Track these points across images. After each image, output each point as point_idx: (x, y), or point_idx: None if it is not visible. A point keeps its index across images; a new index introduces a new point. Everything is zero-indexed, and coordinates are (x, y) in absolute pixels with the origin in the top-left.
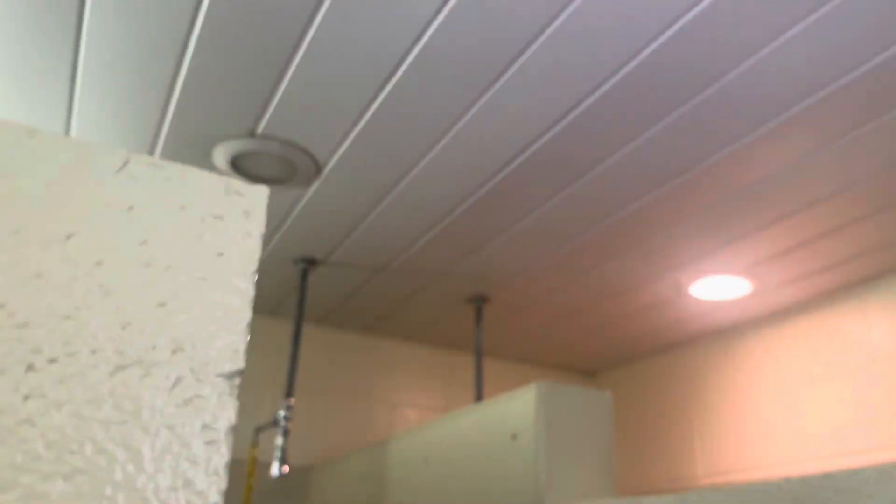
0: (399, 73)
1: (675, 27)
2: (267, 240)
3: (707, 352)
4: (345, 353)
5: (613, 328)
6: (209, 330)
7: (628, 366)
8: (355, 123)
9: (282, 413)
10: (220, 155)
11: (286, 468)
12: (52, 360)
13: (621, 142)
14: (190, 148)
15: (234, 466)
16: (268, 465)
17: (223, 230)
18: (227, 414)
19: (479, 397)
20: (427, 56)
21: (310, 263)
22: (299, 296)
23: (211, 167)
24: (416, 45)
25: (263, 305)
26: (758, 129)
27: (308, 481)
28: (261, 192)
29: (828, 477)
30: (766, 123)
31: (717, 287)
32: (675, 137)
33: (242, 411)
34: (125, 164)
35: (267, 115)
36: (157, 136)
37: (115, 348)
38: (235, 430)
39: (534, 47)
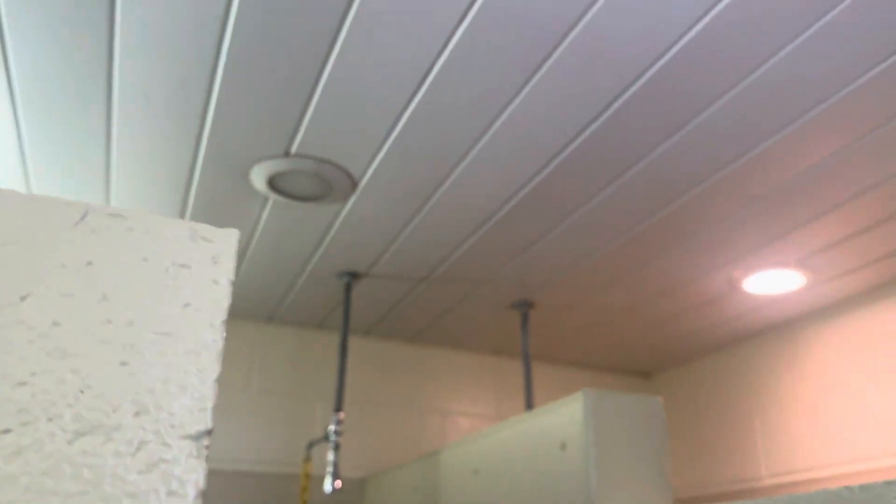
0: (426, 83)
1: (719, 7)
2: (309, 256)
3: (764, 348)
4: (394, 364)
5: (666, 327)
6: (174, 388)
7: (684, 365)
8: (386, 137)
9: (332, 427)
10: (258, 176)
11: (339, 483)
12: (6, 431)
13: (665, 134)
14: (228, 171)
15: (288, 482)
16: (321, 480)
17: (189, 280)
18: (195, 477)
19: (529, 404)
20: (454, 63)
21: (353, 277)
22: (344, 309)
23: (250, 188)
24: (441, 54)
25: (310, 319)
26: (806, 114)
27: (362, 494)
28: (230, 236)
29: (889, 485)
30: (815, 109)
31: (770, 281)
32: (721, 127)
33: (294, 426)
34: (83, 216)
35: (299, 135)
36: (194, 162)
37: (73, 414)
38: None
39: (566, 42)
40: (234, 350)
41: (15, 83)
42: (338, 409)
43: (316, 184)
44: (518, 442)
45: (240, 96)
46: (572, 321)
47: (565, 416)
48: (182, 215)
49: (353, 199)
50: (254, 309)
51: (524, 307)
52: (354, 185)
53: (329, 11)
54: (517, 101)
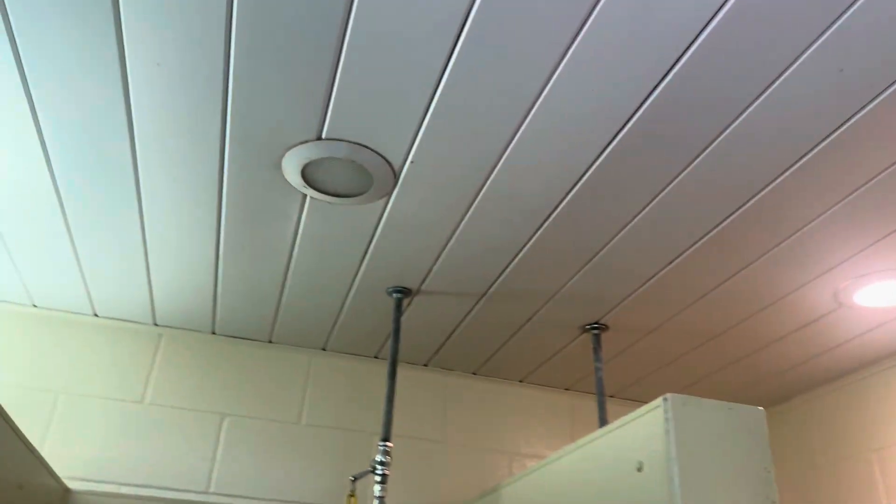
0: (462, 37)
1: None
2: (355, 268)
3: (881, 372)
4: (455, 398)
5: (763, 354)
6: None
7: (787, 402)
8: (423, 115)
9: (378, 458)
10: (290, 165)
11: None
12: None
13: (736, 111)
14: (259, 159)
15: None
16: None
17: None
18: None
19: None
20: (490, 19)
21: (403, 293)
22: (394, 328)
23: (284, 182)
24: (472, 7)
25: (365, 349)
26: None
27: None
28: None
29: None
30: None
31: (884, 293)
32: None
33: (338, 458)
34: None
35: (328, 116)
36: (222, 156)
37: None
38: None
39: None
40: (287, 381)
41: (27, 70)
42: (385, 438)
43: (353, 175)
44: (588, 466)
45: (259, 74)
46: (651, 347)
47: (642, 430)
48: (219, 217)
49: (395, 193)
50: (305, 335)
51: (596, 329)
52: (395, 175)
53: None
54: (572, 56)
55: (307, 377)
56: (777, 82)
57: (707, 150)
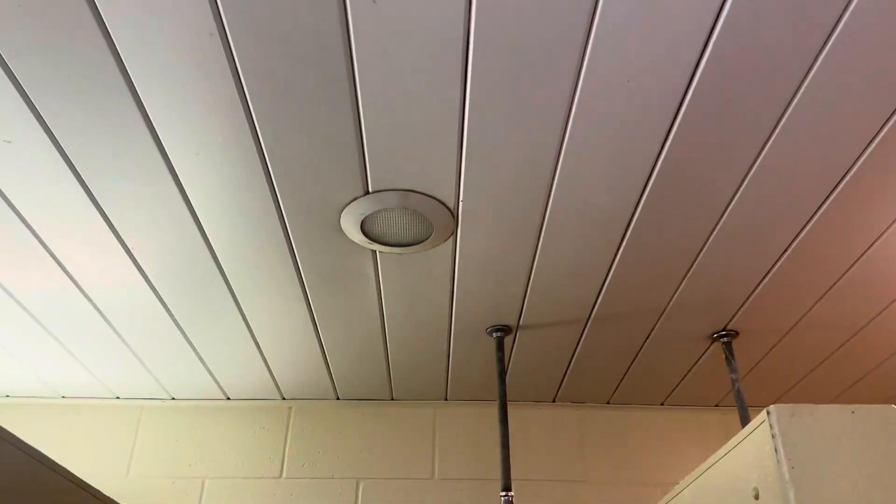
0: (471, 52)
1: None
2: (446, 313)
3: None
4: (591, 433)
5: None
6: None
7: None
8: (458, 147)
9: None
10: (349, 224)
11: None
12: None
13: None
14: (318, 225)
15: None
16: None
17: None
18: None
19: None
20: (488, 33)
21: (503, 331)
22: (499, 369)
23: (349, 242)
24: (469, 19)
25: (477, 389)
26: None
27: None
28: None
29: None
30: None
31: None
32: None
33: None
34: None
35: (367, 168)
36: (284, 224)
37: None
38: None
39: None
40: (415, 437)
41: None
42: (505, 488)
43: (412, 223)
44: (707, 497)
45: (286, 137)
46: (794, 348)
47: (751, 452)
48: (303, 288)
49: (458, 232)
50: (424, 388)
51: (726, 337)
52: (454, 215)
53: (332, 22)
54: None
55: (434, 430)
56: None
57: (785, 116)
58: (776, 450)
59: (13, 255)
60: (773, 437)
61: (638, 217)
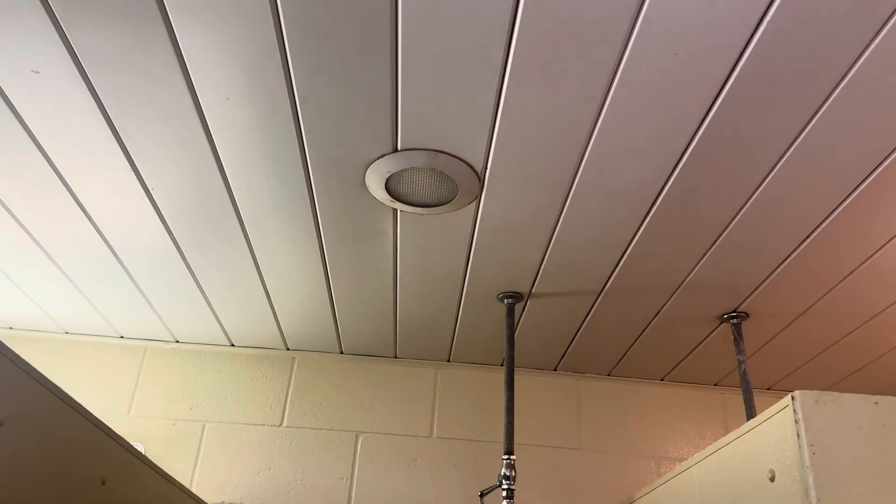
0: (519, 16)
1: None
2: (460, 277)
3: None
4: (591, 403)
5: None
6: None
7: None
8: (494, 110)
9: (504, 472)
10: (374, 181)
11: None
12: None
13: None
14: (342, 179)
15: None
16: None
17: None
18: None
19: None
20: None
21: (514, 298)
22: (508, 336)
23: (372, 199)
24: None
25: (490, 357)
26: None
27: None
28: None
29: None
30: None
31: None
32: None
33: (470, 470)
34: None
35: (399, 126)
36: (308, 175)
37: None
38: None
39: None
40: (416, 395)
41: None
42: (508, 452)
43: (437, 183)
44: (718, 475)
45: (321, 89)
46: (802, 333)
47: (771, 434)
48: (319, 241)
49: (482, 196)
50: (428, 348)
51: (736, 319)
52: (480, 179)
53: None
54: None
55: (435, 390)
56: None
57: (829, 101)
58: (798, 434)
59: (29, 186)
60: (795, 421)
61: (667, 191)
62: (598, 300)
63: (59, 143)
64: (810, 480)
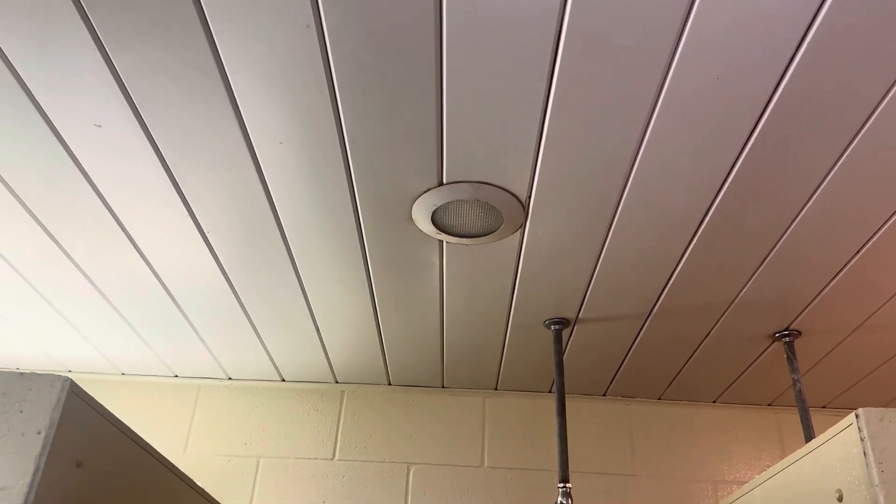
0: (561, 45)
1: None
2: (506, 305)
3: None
4: (643, 427)
5: None
6: None
7: None
8: (537, 140)
9: (559, 500)
10: (420, 214)
11: None
12: None
13: None
14: (390, 214)
15: None
16: None
17: None
18: None
19: None
20: (581, 29)
21: (562, 324)
22: (557, 362)
23: (418, 232)
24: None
25: (537, 384)
26: None
27: None
28: None
29: None
30: None
31: None
32: None
33: (523, 500)
34: None
35: (444, 160)
36: (356, 211)
37: None
38: None
39: None
40: (465, 424)
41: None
42: (563, 479)
43: (483, 214)
44: (784, 495)
45: (369, 127)
46: (858, 349)
47: (837, 453)
48: (367, 275)
49: (527, 224)
50: (476, 377)
51: (788, 337)
52: (525, 208)
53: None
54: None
55: (484, 419)
56: None
57: (877, 111)
58: (865, 453)
59: (90, 233)
60: (861, 440)
61: (714, 210)
62: (647, 323)
63: (118, 191)
64: (881, 499)
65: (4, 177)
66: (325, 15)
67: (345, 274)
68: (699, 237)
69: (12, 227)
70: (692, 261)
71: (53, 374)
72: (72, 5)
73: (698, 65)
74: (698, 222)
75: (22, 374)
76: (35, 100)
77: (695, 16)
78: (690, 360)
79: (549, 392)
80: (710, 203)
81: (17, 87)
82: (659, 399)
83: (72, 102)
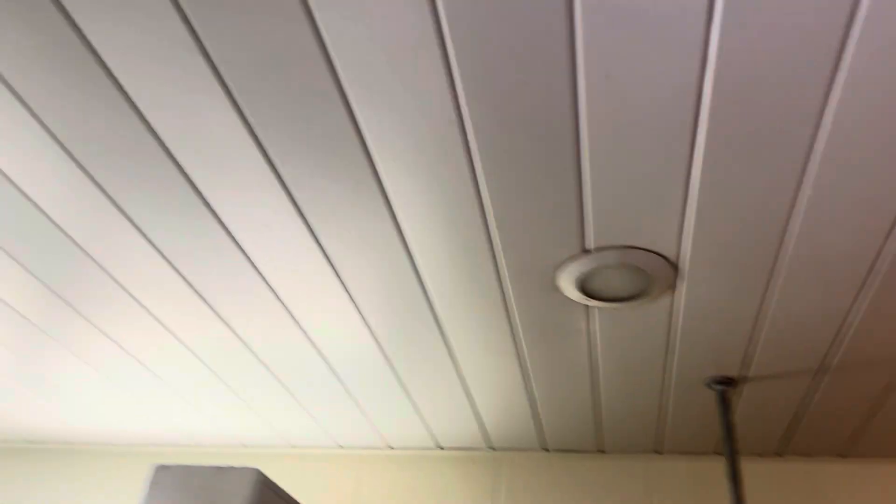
0: (703, 113)
1: None
2: (663, 367)
3: None
4: (818, 487)
5: None
6: None
7: None
8: (683, 198)
9: None
10: (566, 282)
11: None
12: None
13: None
14: (535, 284)
15: None
16: None
17: None
18: None
19: None
20: (722, 105)
21: (726, 384)
22: (724, 423)
23: (565, 299)
24: (705, 70)
25: (693, 442)
26: None
27: None
28: None
29: None
30: None
31: None
32: None
33: None
34: None
35: (586, 227)
36: (501, 283)
37: None
38: None
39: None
40: (627, 490)
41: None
42: None
43: (632, 277)
44: None
45: (510, 201)
46: None
47: None
48: (516, 344)
49: (682, 286)
50: (636, 441)
51: None
52: (676, 269)
53: (558, 66)
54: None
55: (647, 484)
56: None
57: None
58: None
59: (262, 319)
60: None
61: (882, 255)
62: (823, 377)
63: (286, 281)
64: None
65: (190, 281)
66: (466, 109)
67: (493, 342)
68: (868, 281)
69: (199, 323)
70: (865, 312)
71: (245, 468)
72: (250, 139)
73: (852, 117)
74: (868, 269)
75: (220, 468)
76: (214, 212)
77: (848, 66)
78: (879, 412)
79: (716, 453)
80: (879, 248)
81: (203, 207)
82: (840, 456)
83: (243, 205)
